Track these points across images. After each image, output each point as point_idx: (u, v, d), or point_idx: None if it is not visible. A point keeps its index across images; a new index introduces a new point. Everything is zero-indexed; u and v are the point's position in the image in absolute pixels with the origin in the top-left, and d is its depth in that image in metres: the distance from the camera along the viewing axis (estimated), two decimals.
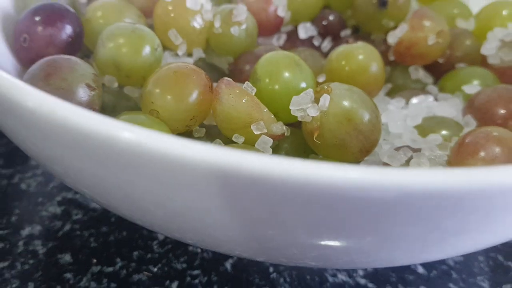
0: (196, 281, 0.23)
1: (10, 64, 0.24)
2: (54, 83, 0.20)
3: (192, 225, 0.17)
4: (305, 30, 0.29)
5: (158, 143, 0.13)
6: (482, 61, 0.27)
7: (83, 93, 0.20)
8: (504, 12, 0.28)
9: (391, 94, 0.27)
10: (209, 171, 0.13)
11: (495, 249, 0.26)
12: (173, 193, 0.14)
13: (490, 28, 0.28)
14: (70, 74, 0.20)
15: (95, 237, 0.25)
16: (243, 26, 0.26)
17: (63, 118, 0.14)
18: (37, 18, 0.24)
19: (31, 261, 0.24)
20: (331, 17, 0.30)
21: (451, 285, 0.24)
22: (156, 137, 0.13)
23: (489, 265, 0.25)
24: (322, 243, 0.15)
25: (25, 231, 0.25)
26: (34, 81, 0.20)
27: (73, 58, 0.21)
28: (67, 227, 0.25)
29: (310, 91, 0.21)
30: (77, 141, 0.14)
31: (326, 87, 0.21)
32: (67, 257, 0.24)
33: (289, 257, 0.18)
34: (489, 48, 0.27)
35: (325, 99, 0.20)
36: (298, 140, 0.23)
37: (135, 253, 0.24)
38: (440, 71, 0.28)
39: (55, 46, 0.24)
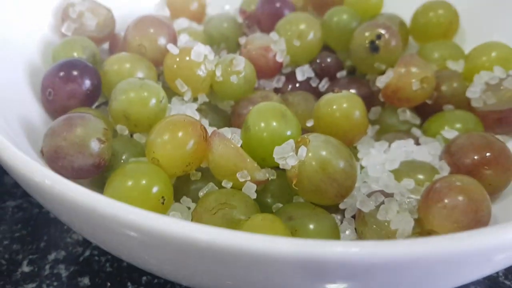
0: None
1: (37, 113, 0.28)
2: (70, 139, 0.23)
3: None
4: (302, 73, 0.32)
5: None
6: (469, 103, 0.29)
7: (94, 146, 0.24)
8: (493, 54, 0.30)
9: (379, 134, 0.29)
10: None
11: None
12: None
13: (477, 70, 0.29)
14: (84, 130, 0.23)
15: (111, 262, 0.28)
16: (242, 74, 0.29)
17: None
18: (60, 74, 0.27)
19: (55, 283, 0.27)
20: (328, 59, 0.33)
21: None
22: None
23: None
24: None
25: (51, 256, 0.29)
26: (53, 137, 0.23)
27: (86, 115, 0.24)
28: (87, 253, 0.29)
29: (291, 141, 0.24)
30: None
31: (305, 138, 0.24)
32: (85, 280, 0.28)
33: None
34: (473, 91, 0.28)
35: (302, 150, 0.23)
36: (283, 183, 0.25)
37: (144, 278, 0.28)
38: (428, 111, 0.29)
39: (75, 98, 0.27)
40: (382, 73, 0.30)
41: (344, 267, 0.15)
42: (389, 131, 0.29)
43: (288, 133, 0.25)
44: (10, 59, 0.28)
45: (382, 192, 0.23)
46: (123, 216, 0.16)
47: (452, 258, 0.15)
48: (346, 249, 0.15)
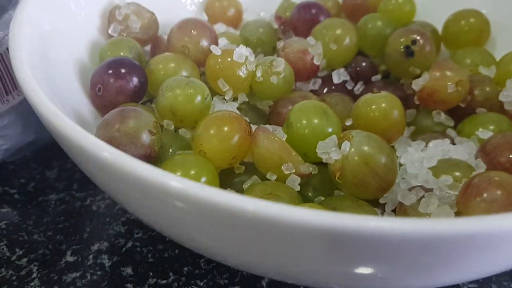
0: None
1: (87, 109, 0.29)
2: (123, 130, 0.24)
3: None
4: (338, 76, 0.33)
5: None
6: (501, 107, 0.30)
7: (145, 137, 0.25)
8: None
9: (414, 135, 0.30)
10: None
11: (509, 278, 0.28)
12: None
13: (509, 75, 0.30)
14: (136, 122, 0.25)
15: (152, 253, 0.29)
16: (281, 75, 0.30)
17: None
18: (109, 71, 0.29)
19: (99, 273, 0.28)
20: (363, 64, 0.34)
21: None
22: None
23: None
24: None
25: (95, 247, 0.30)
26: (107, 128, 0.24)
27: (138, 108, 0.26)
28: (129, 244, 0.30)
29: (334, 137, 0.25)
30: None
31: (348, 133, 0.25)
32: (128, 270, 0.29)
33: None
34: (506, 95, 0.29)
35: (346, 145, 0.24)
36: (324, 177, 0.26)
37: (185, 268, 0.28)
38: (461, 114, 0.30)
39: (124, 94, 0.28)
40: (416, 77, 0.31)
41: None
42: (424, 132, 0.30)
43: (330, 130, 0.26)
44: (62, 58, 0.29)
45: (422, 187, 0.24)
46: (185, 187, 0.17)
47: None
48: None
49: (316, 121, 0.26)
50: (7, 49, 0.31)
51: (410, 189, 0.24)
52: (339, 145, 0.24)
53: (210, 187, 0.17)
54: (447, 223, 0.15)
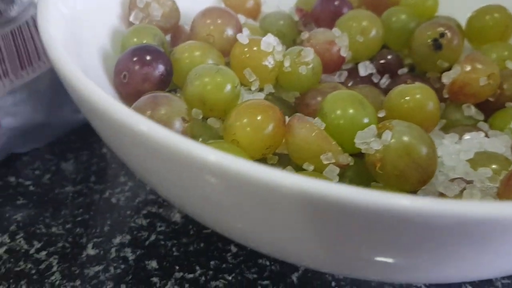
0: None
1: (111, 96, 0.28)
2: (156, 116, 0.23)
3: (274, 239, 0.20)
4: (365, 68, 0.32)
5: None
6: None
7: (178, 124, 0.24)
8: None
9: (445, 129, 0.29)
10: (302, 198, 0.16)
11: None
12: (268, 215, 0.18)
13: None
14: (169, 109, 0.24)
15: (177, 247, 0.28)
16: (310, 66, 0.29)
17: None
18: (135, 58, 0.28)
19: (122, 266, 0.27)
20: (389, 56, 0.33)
21: None
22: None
23: None
24: (388, 260, 0.18)
25: (117, 240, 0.29)
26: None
27: (170, 95, 0.25)
28: (153, 237, 0.29)
29: (373, 127, 0.24)
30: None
31: (388, 124, 0.24)
32: (153, 264, 0.28)
33: (353, 269, 0.21)
34: None
35: (387, 135, 0.23)
36: (360, 169, 0.25)
37: (212, 262, 0.28)
38: (490, 108, 0.30)
39: (150, 82, 0.28)
40: (444, 71, 0.30)
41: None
42: (455, 126, 0.29)
43: (366, 120, 0.25)
44: (86, 47, 0.28)
45: (462, 179, 0.24)
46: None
47: None
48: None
49: (352, 111, 0.25)
50: (27, 22, 0.30)
51: (452, 181, 0.24)
52: (379, 135, 0.24)
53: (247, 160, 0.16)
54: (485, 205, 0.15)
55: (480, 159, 0.25)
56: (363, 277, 0.25)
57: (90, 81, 0.20)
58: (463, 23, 0.35)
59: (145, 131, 0.18)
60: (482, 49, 0.33)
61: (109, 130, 0.21)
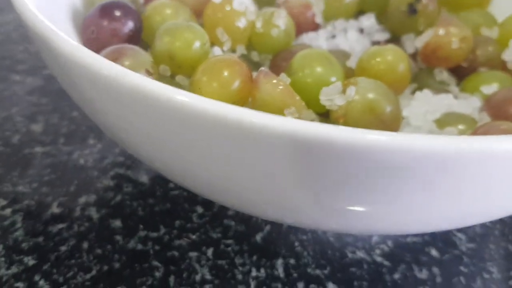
0: (229, 249, 0.26)
1: None
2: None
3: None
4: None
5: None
6: (503, 67, 0.29)
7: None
8: None
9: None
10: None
11: (506, 239, 0.28)
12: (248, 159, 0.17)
13: None
14: (133, 60, 0.23)
15: (143, 207, 0.28)
16: (282, 28, 0.29)
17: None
18: (103, 14, 0.27)
19: (86, 224, 0.27)
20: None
21: (461, 268, 0.26)
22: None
23: (499, 253, 0.27)
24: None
25: (82, 199, 0.29)
26: None
27: (136, 47, 0.24)
28: (119, 197, 0.29)
29: (339, 83, 0.24)
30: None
31: (352, 81, 0.24)
32: (117, 223, 0.27)
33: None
34: (509, 54, 0.29)
35: (351, 90, 0.23)
36: None
37: (177, 222, 0.27)
38: (463, 74, 0.30)
39: (118, 38, 0.27)
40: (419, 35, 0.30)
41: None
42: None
43: (333, 79, 0.25)
44: (54, 4, 0.28)
45: None
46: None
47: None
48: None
49: (319, 69, 0.25)
50: None
51: None
52: (344, 92, 0.24)
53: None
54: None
55: (446, 119, 0.25)
56: (315, 226, 0.25)
57: (54, 28, 0.20)
58: None
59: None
60: (459, 16, 0.33)
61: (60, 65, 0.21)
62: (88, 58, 0.18)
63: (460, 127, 0.25)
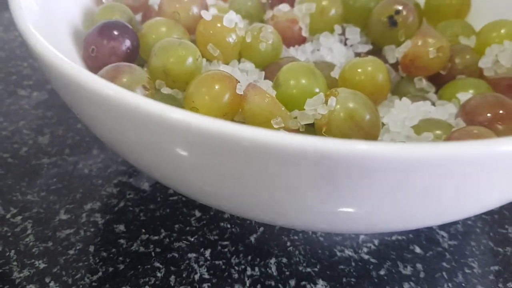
0: (226, 250, 0.28)
1: None
2: (118, 84, 0.25)
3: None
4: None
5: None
6: (480, 74, 0.31)
7: (140, 92, 0.26)
8: (502, 31, 0.32)
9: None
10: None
11: (487, 236, 0.30)
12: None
13: (488, 44, 0.32)
14: (130, 77, 0.25)
15: (144, 212, 0.30)
16: (270, 42, 0.31)
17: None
18: (103, 33, 0.29)
19: (92, 229, 0.29)
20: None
21: (444, 264, 0.28)
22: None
23: (480, 250, 0.29)
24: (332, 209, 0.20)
25: (88, 206, 0.31)
26: None
27: (133, 65, 0.26)
28: (122, 204, 0.31)
29: (322, 94, 0.26)
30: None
31: (334, 91, 0.26)
32: (121, 227, 0.29)
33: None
34: (485, 62, 0.31)
35: (332, 100, 0.25)
36: (311, 135, 0.27)
37: (176, 226, 0.29)
38: (442, 81, 0.32)
39: (117, 56, 0.29)
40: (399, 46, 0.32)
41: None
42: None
43: (317, 90, 0.27)
44: (58, 23, 0.30)
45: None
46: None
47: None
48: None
49: (304, 81, 0.27)
50: None
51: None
52: (326, 102, 0.25)
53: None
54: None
55: (424, 125, 0.27)
56: (304, 227, 0.27)
57: (55, 50, 0.22)
58: (422, 2, 0.37)
59: (111, 94, 0.19)
60: (438, 27, 0.35)
61: (57, 81, 0.23)
62: (83, 77, 0.20)
63: (437, 132, 0.27)
